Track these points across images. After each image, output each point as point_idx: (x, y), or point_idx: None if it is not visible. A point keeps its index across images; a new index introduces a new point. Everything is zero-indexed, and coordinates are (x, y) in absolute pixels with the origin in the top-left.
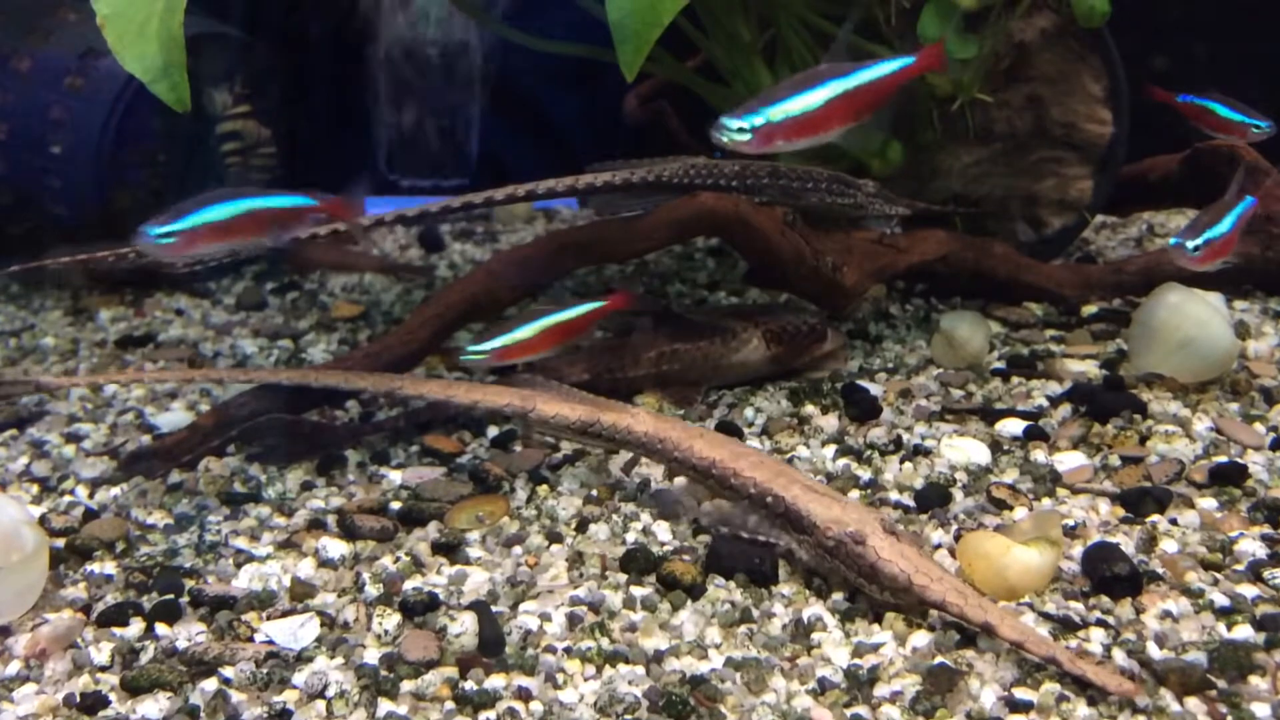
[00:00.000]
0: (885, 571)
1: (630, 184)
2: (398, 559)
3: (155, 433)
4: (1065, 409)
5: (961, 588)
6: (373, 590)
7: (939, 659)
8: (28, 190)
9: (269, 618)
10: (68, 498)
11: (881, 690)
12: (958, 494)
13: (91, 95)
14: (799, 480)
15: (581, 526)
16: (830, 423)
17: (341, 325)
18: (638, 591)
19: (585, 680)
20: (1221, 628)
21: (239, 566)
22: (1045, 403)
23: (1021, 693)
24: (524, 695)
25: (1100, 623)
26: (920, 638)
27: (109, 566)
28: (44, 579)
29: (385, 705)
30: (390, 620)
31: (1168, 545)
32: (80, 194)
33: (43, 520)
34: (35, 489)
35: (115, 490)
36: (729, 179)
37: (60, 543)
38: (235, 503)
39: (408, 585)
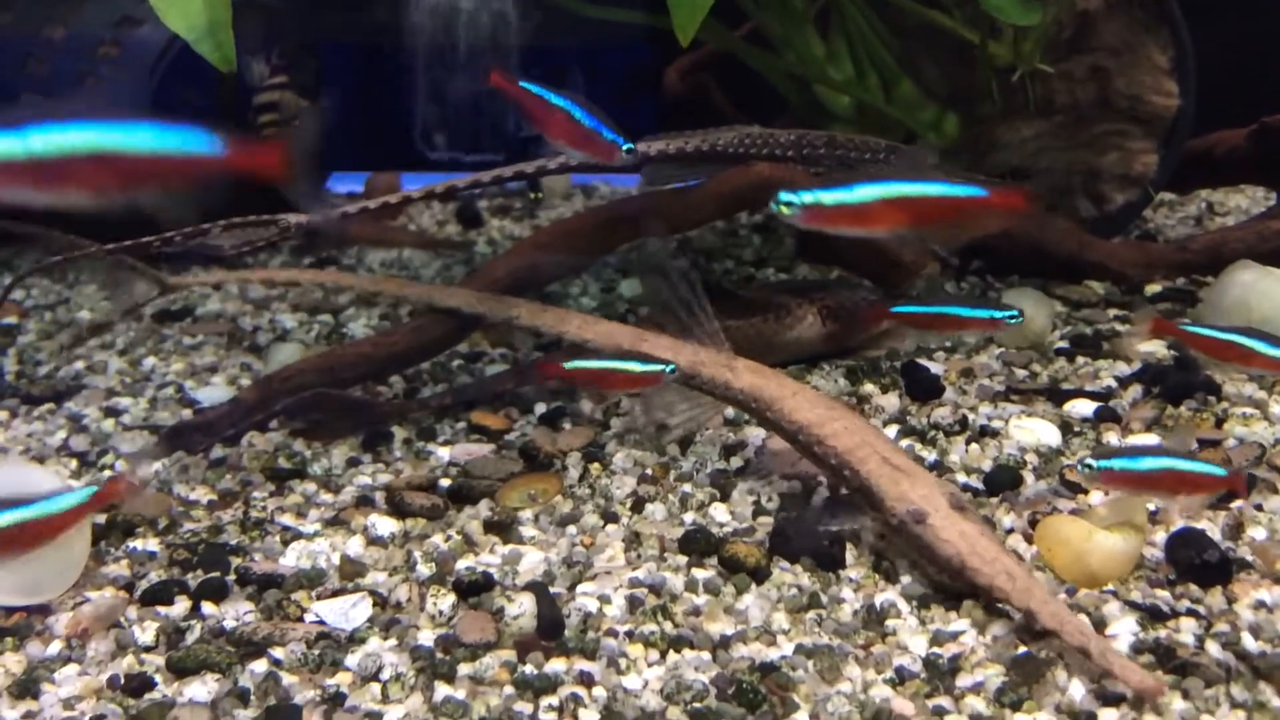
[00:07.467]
0: (940, 553)
1: (684, 154)
2: (449, 537)
3: (196, 407)
4: (1135, 390)
5: (1013, 571)
6: (425, 569)
7: (1023, 648)
8: None
9: (319, 597)
10: (107, 472)
11: (964, 680)
12: (1029, 477)
13: (126, 64)
14: (878, 451)
15: (637, 506)
16: (891, 402)
17: (382, 300)
18: (699, 574)
19: (649, 666)
20: None
21: (286, 544)
22: (1114, 383)
23: (1114, 684)
24: (586, 680)
25: (1191, 612)
26: (1000, 626)
27: (152, 543)
28: (85, 556)
29: (442, 689)
30: (445, 601)
31: (1256, 532)
32: None
33: None
34: (74, 464)
35: (157, 465)
36: (785, 149)
37: (101, 518)
38: (280, 479)
39: (461, 564)
